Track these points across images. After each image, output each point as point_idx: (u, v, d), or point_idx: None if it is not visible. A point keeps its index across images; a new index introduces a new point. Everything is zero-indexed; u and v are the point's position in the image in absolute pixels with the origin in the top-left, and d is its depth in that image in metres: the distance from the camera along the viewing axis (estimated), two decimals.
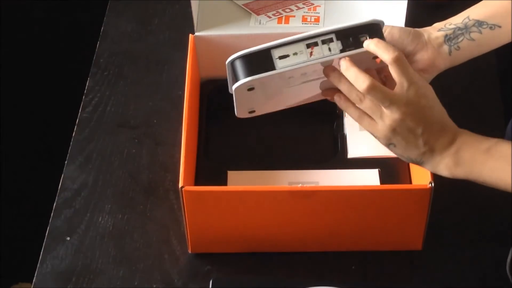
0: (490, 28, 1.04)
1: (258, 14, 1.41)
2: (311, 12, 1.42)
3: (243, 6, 1.43)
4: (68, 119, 1.51)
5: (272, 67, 1.03)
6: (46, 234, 1.28)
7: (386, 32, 1.07)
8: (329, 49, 1.03)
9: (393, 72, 0.98)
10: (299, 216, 1.19)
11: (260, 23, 1.40)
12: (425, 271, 1.23)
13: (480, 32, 1.05)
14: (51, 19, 2.05)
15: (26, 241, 1.70)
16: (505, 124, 1.39)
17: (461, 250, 1.24)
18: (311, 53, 1.03)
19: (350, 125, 1.34)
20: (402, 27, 1.08)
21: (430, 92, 1.01)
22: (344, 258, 1.24)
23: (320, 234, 1.22)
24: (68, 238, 1.27)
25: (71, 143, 1.40)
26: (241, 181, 1.27)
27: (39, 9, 2.03)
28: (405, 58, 0.99)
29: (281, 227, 1.21)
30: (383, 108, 0.99)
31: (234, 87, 1.04)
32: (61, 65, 2.05)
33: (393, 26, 1.08)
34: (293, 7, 1.43)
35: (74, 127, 1.43)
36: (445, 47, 1.08)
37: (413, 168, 1.27)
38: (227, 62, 1.05)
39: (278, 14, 1.41)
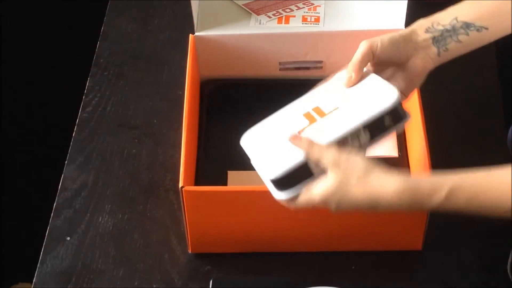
0: (478, 30, 1.04)
1: (258, 14, 1.41)
2: (311, 12, 1.42)
3: (243, 6, 1.43)
4: (68, 119, 1.51)
5: (311, 174, 1.03)
6: (46, 234, 1.28)
7: (378, 49, 1.07)
8: (359, 141, 1.04)
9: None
10: (299, 216, 1.19)
11: (260, 23, 1.40)
12: (425, 271, 1.23)
13: (467, 35, 1.05)
14: (51, 19, 2.05)
15: (26, 241, 1.71)
16: (505, 124, 1.40)
17: (461, 250, 1.24)
18: None
19: None
20: (391, 38, 1.07)
21: (349, 177, 0.99)
22: (344, 258, 1.24)
23: (320, 234, 1.22)
24: (68, 238, 1.27)
25: (71, 143, 1.40)
26: (241, 181, 1.27)
27: (39, 9, 2.03)
28: (314, 147, 1.01)
29: (281, 227, 1.21)
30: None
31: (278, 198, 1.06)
32: (61, 65, 2.05)
33: (382, 41, 1.07)
34: (293, 7, 1.43)
35: (74, 127, 1.43)
36: (434, 49, 1.07)
37: (413, 168, 1.27)
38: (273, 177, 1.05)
39: (278, 14, 1.41)
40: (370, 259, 1.24)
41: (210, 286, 1.18)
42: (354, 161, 0.99)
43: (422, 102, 1.24)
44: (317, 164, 1.01)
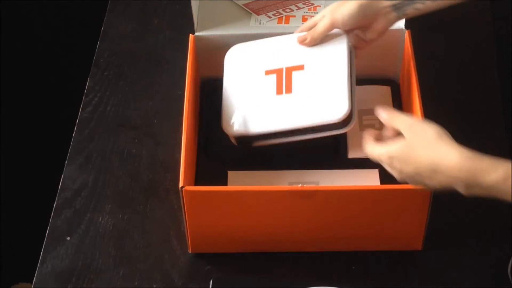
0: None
1: (258, 14, 1.41)
2: (311, 12, 1.42)
3: (243, 6, 1.43)
4: (68, 119, 1.51)
5: None
6: (46, 234, 1.28)
7: (339, 24, 1.23)
8: None
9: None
10: (299, 216, 1.19)
11: (260, 23, 1.40)
12: (425, 271, 1.23)
13: (423, 4, 1.17)
14: (51, 19, 2.05)
15: (26, 241, 1.71)
16: (505, 124, 1.40)
17: (461, 250, 1.24)
18: None
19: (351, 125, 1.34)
20: (351, 13, 1.21)
21: (418, 140, 1.06)
22: (344, 258, 1.24)
23: (320, 234, 1.22)
24: (68, 238, 1.27)
25: (71, 143, 1.40)
26: (241, 181, 1.27)
27: (39, 9, 2.03)
28: (393, 113, 1.11)
29: (281, 227, 1.21)
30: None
31: None
32: (61, 65, 2.05)
33: (343, 17, 1.22)
34: (293, 7, 1.43)
35: (74, 127, 1.43)
36: (394, 14, 1.20)
37: None
38: None
39: (278, 14, 1.41)
40: (370, 259, 1.24)
41: (210, 286, 1.18)
42: (428, 127, 1.05)
43: (422, 102, 1.24)
44: (392, 128, 1.10)
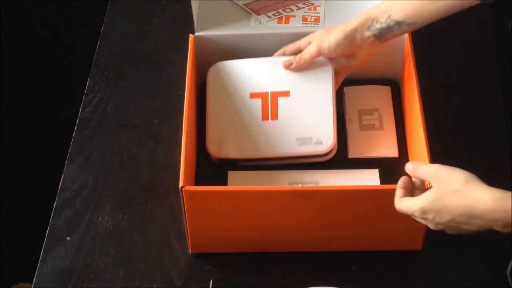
0: (408, 25, 1.24)
1: (258, 14, 1.41)
2: (311, 12, 1.42)
3: (243, 6, 1.43)
4: (68, 119, 1.51)
5: None
6: (46, 234, 1.28)
7: (326, 52, 1.27)
8: None
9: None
10: (299, 216, 1.19)
11: (260, 23, 1.40)
12: (425, 271, 1.23)
13: (400, 29, 1.25)
14: (51, 19, 2.05)
15: (26, 241, 1.70)
16: (505, 124, 1.39)
17: (461, 250, 1.24)
18: None
19: (351, 125, 1.34)
20: (337, 42, 1.26)
21: (446, 188, 1.05)
22: (344, 258, 1.24)
23: (320, 234, 1.22)
24: (68, 238, 1.27)
25: (71, 143, 1.40)
26: (241, 181, 1.27)
27: (39, 9, 2.03)
28: (418, 164, 1.12)
29: (281, 227, 1.21)
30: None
31: None
32: (61, 65, 2.05)
33: (329, 46, 1.27)
34: (293, 7, 1.43)
35: (74, 127, 1.43)
36: (375, 41, 1.26)
37: None
38: None
39: (278, 14, 1.41)
40: (370, 259, 1.24)
41: (210, 286, 1.18)
42: (455, 172, 1.05)
43: (422, 102, 1.24)
44: (419, 179, 1.12)
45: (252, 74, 1.33)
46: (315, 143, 1.28)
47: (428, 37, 1.52)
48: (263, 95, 1.31)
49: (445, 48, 1.54)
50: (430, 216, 1.06)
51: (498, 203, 1.00)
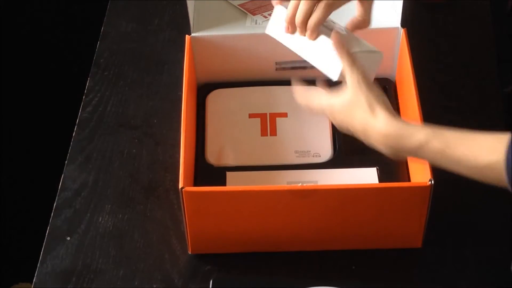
0: None
1: (254, 14, 1.41)
2: None
3: (238, 7, 1.43)
4: (68, 119, 1.51)
5: None
6: (46, 234, 1.28)
7: None
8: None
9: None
10: (299, 215, 1.19)
11: (256, 23, 1.40)
12: (425, 270, 1.23)
13: None
14: (51, 19, 2.05)
15: (26, 241, 1.70)
16: (505, 124, 1.39)
17: (461, 248, 1.24)
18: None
19: None
20: None
21: (358, 100, 1.07)
22: (344, 257, 1.24)
23: (320, 233, 1.22)
24: (68, 238, 1.27)
25: (71, 143, 1.40)
26: (240, 182, 1.27)
27: (39, 9, 2.03)
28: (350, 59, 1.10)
29: (281, 227, 1.21)
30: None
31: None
32: (61, 65, 2.05)
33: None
34: None
35: (74, 127, 1.43)
36: None
37: (412, 166, 1.27)
38: None
39: None
40: (370, 258, 1.24)
41: (210, 286, 1.18)
42: (371, 90, 1.07)
43: (422, 102, 1.24)
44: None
45: (250, 99, 1.38)
46: (313, 156, 1.30)
47: (427, 36, 1.52)
48: (261, 116, 1.35)
49: (445, 48, 1.54)
50: (337, 117, 1.10)
51: (390, 128, 1.03)
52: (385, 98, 1.07)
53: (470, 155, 0.97)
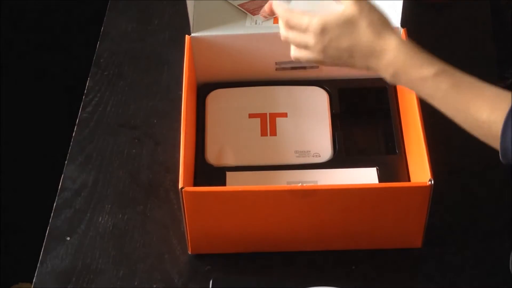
0: None
1: (254, 14, 1.41)
2: None
3: (238, 7, 1.43)
4: (68, 119, 1.51)
5: None
6: (46, 234, 1.28)
7: None
8: None
9: None
10: (299, 215, 1.19)
11: (256, 23, 1.40)
12: (425, 269, 1.23)
13: None
14: (51, 19, 2.05)
15: (26, 241, 1.70)
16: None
17: (461, 247, 1.24)
18: None
19: None
20: None
21: (363, 18, 0.99)
22: (344, 257, 1.24)
23: (320, 233, 1.22)
24: (68, 238, 1.28)
25: (71, 143, 1.40)
26: (239, 181, 1.27)
27: (39, 9, 2.03)
28: None
29: (280, 227, 1.21)
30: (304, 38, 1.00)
31: None
32: (61, 65, 2.05)
33: None
34: None
35: (74, 127, 1.43)
36: None
37: (412, 165, 1.27)
38: None
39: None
40: (370, 258, 1.24)
41: (210, 286, 1.18)
42: (376, 10, 0.99)
43: (422, 102, 1.23)
44: None
45: (250, 99, 1.38)
46: (313, 156, 1.31)
47: (427, 36, 1.52)
48: (261, 115, 1.36)
49: (444, 48, 1.53)
50: (326, 38, 0.99)
51: (403, 48, 0.96)
52: (390, 22, 0.99)
53: (472, 104, 0.92)
